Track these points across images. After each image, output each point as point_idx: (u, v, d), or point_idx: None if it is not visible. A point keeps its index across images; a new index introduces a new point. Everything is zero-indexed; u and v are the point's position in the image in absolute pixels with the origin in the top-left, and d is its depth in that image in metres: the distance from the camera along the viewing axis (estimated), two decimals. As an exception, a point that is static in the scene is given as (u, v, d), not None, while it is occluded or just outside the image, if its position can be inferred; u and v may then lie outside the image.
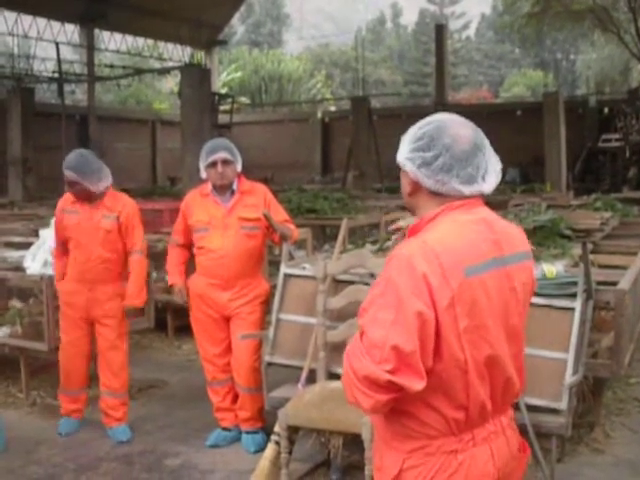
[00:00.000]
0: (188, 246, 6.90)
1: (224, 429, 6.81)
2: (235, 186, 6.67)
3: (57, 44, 35.51)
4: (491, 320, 2.78)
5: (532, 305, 3.25)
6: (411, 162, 2.89)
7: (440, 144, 2.85)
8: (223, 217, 6.59)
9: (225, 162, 6.54)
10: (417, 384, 2.62)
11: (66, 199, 7.11)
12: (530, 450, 3.15)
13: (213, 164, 6.53)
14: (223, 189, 6.63)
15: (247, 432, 6.68)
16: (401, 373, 2.60)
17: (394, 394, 2.64)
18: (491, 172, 2.93)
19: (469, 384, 2.75)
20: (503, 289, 2.84)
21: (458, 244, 2.75)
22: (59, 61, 35.04)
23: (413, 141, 2.91)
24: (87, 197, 6.94)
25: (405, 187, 2.98)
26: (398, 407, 2.76)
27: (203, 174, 6.65)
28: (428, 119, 2.96)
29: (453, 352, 2.70)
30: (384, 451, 2.93)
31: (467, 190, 2.87)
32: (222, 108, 39.39)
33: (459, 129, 2.90)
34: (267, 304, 6.74)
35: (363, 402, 2.67)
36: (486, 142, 2.96)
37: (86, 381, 7.25)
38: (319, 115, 48.07)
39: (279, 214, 6.76)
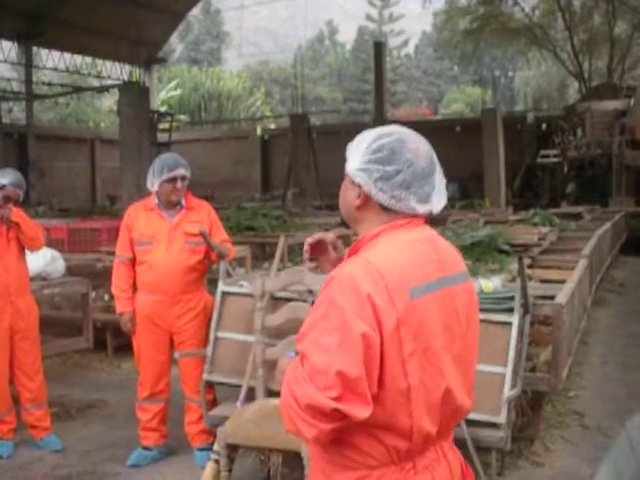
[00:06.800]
0: (135, 261, 6.72)
1: (145, 448, 6.70)
2: (183, 202, 6.62)
3: (-6, 62, 35.30)
4: (438, 344, 2.62)
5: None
6: (366, 174, 2.67)
7: (402, 159, 2.66)
8: (169, 231, 6.51)
9: (183, 179, 6.50)
10: (363, 412, 2.43)
11: None
12: (474, 473, 3.03)
13: (172, 180, 6.46)
14: (173, 204, 6.57)
15: (201, 449, 6.58)
16: (346, 400, 2.41)
17: (339, 423, 2.45)
18: (443, 191, 2.79)
19: (412, 413, 2.56)
20: (448, 311, 2.68)
21: (403, 264, 2.58)
22: (-4, 79, 34.82)
23: (370, 152, 2.68)
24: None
25: (351, 200, 2.75)
26: (337, 436, 2.54)
27: (154, 187, 6.50)
28: (386, 130, 2.76)
29: (396, 379, 2.52)
30: None
31: (421, 209, 2.71)
32: (161, 126, 39.45)
33: (419, 144, 2.74)
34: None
35: (306, 432, 2.47)
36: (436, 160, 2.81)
37: (11, 400, 7.07)
38: (258, 133, 48.17)
39: (220, 233, 6.71)
